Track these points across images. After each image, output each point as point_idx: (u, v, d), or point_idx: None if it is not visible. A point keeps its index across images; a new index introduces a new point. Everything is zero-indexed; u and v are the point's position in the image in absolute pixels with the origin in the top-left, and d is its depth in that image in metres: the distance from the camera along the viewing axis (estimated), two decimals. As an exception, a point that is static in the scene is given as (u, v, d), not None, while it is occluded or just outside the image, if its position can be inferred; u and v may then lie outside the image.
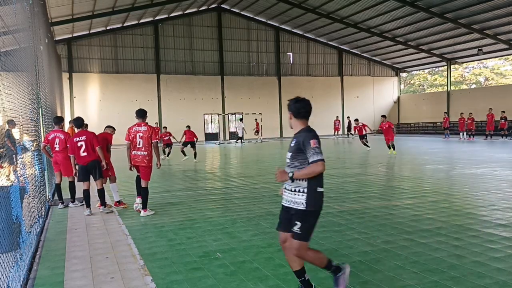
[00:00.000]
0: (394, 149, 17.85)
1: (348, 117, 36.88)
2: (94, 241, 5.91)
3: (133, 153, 7.57)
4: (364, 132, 21.31)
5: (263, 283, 4.22)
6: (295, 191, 3.65)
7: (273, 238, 5.80)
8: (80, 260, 5.09)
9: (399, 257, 4.85)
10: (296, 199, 3.64)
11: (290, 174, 3.59)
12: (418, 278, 4.21)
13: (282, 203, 3.79)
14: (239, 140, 31.86)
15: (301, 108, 3.74)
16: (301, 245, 3.65)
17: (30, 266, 4.86)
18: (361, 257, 4.88)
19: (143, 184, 7.58)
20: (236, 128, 32.40)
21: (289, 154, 3.72)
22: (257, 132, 33.85)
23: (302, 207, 3.60)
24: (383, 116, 19.28)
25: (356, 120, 22.78)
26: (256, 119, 34.41)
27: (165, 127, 21.24)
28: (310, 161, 3.50)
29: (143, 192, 7.57)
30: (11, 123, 10.00)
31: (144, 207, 7.52)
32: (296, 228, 3.63)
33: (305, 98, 3.81)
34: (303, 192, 3.61)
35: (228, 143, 33.03)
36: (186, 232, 6.26)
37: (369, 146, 21.00)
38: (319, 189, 3.65)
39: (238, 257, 5.05)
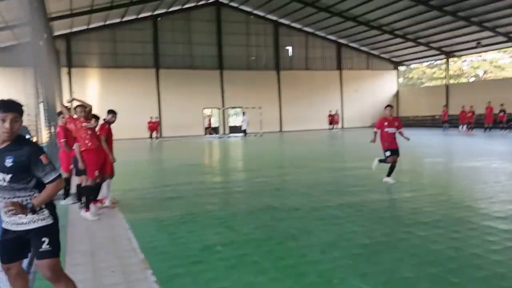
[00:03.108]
0: None
1: (330, 110, 36.68)
2: (95, 235, 5.94)
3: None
4: None
5: (263, 276, 4.25)
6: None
7: (273, 231, 5.84)
8: (81, 254, 5.13)
9: (397, 250, 4.88)
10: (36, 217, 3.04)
11: (30, 205, 2.89)
12: (417, 270, 4.24)
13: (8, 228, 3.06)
14: (244, 134, 32.03)
15: None
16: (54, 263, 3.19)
17: (31, 260, 4.89)
18: (360, 250, 4.92)
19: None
20: (241, 121, 32.63)
21: (5, 176, 2.86)
22: (208, 128, 34.31)
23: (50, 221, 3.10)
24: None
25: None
26: (209, 115, 34.59)
27: (389, 106, 9.53)
28: (46, 181, 2.91)
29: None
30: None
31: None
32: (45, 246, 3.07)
33: None
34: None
35: (227, 137, 33.03)
36: (186, 226, 6.30)
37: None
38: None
39: (238, 250, 5.09)
